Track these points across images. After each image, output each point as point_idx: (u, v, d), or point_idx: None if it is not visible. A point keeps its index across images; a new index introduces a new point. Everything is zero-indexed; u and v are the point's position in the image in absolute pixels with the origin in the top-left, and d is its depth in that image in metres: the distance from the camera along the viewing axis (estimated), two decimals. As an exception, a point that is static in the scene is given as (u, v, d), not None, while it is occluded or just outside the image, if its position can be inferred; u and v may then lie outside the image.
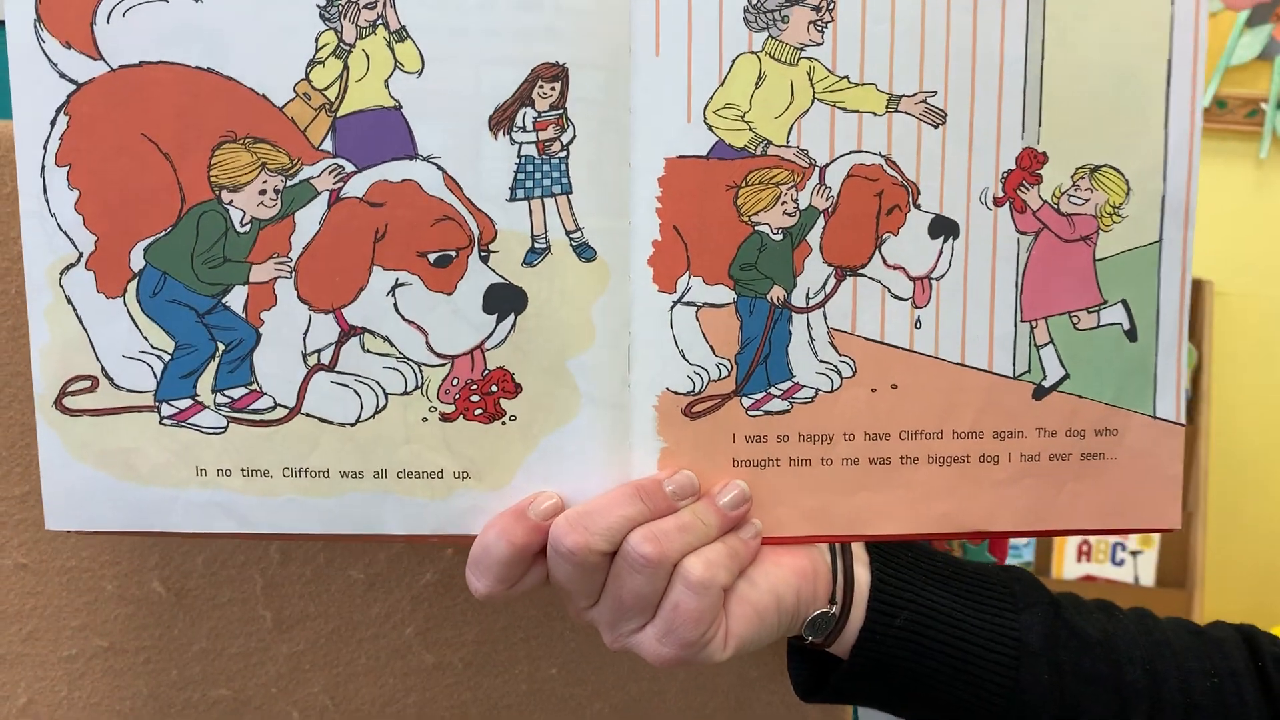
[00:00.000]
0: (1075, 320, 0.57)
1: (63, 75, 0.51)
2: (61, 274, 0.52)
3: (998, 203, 0.56)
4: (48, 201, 0.52)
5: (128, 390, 0.53)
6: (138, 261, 0.52)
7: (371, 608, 0.68)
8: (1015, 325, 0.57)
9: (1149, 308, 0.57)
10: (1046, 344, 0.57)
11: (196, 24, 0.51)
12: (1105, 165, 0.56)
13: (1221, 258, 2.01)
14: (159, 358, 0.53)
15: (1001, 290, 0.56)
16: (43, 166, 0.51)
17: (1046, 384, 0.57)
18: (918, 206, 0.55)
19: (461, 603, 0.58)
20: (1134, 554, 2.02)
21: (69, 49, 0.51)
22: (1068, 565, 2.06)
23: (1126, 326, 0.57)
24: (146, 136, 0.51)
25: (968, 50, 0.55)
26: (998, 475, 0.57)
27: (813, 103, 0.54)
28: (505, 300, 0.53)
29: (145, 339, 0.53)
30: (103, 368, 0.53)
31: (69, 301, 0.52)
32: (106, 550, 0.65)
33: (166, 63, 0.51)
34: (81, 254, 0.52)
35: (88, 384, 0.53)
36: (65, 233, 0.52)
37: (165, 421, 0.53)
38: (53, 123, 0.51)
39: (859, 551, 0.59)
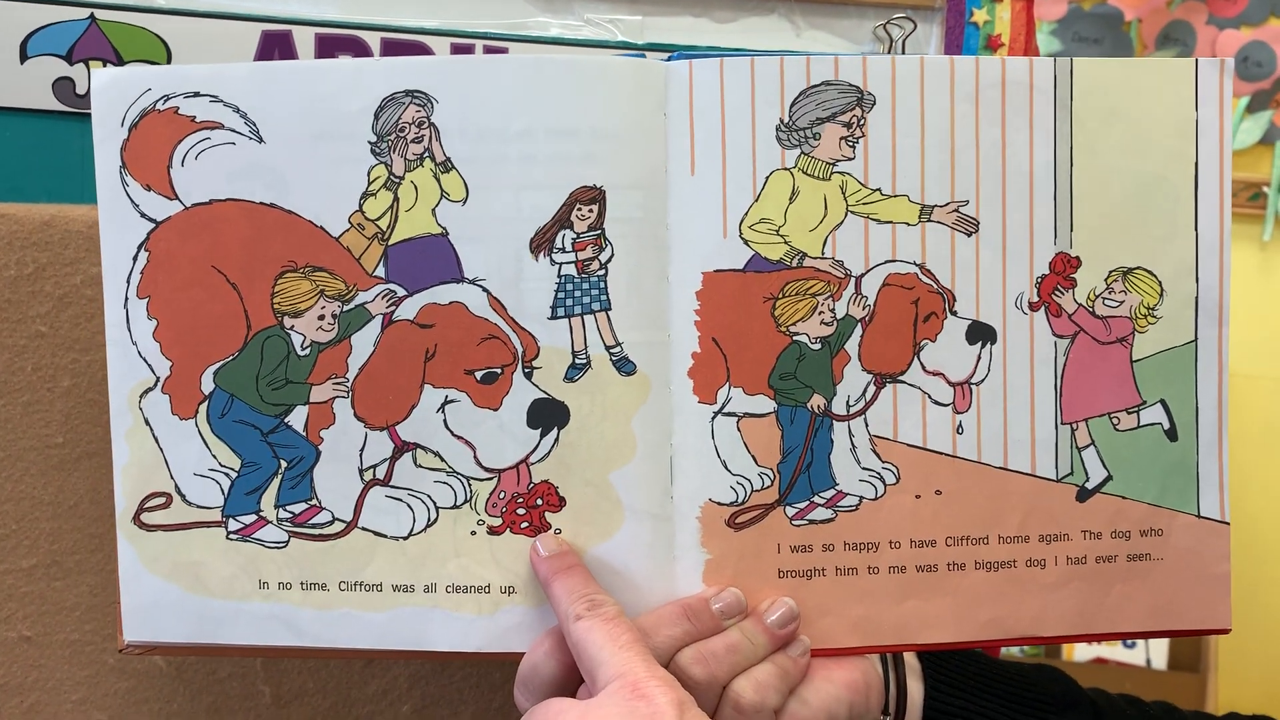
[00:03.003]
0: (1115, 421, 0.57)
1: (143, 215, 0.55)
2: (141, 397, 0.56)
3: (1033, 307, 0.56)
4: (130, 330, 0.56)
5: (198, 506, 0.56)
6: (208, 384, 0.56)
7: (369, 685, 0.69)
8: (1056, 428, 0.57)
9: (1188, 407, 0.57)
10: (1088, 446, 0.57)
11: (260, 162, 0.55)
12: (1138, 268, 0.56)
13: (1229, 340, 1.96)
14: (226, 475, 0.56)
15: (1041, 393, 0.57)
16: (126, 299, 0.56)
17: (1090, 486, 0.57)
18: (954, 313, 0.56)
19: (458, 681, 0.59)
20: (1145, 637, 1.94)
21: (149, 191, 0.55)
22: (1079, 648, 1.97)
23: (1166, 426, 0.57)
24: (216, 268, 0.55)
25: (998, 160, 0.56)
26: (1045, 579, 0.57)
27: (846, 215, 0.56)
28: (548, 415, 0.55)
29: (214, 457, 0.56)
30: (176, 485, 0.56)
31: (147, 423, 0.56)
32: (108, 624, 0.67)
33: (234, 199, 0.55)
34: (159, 378, 0.56)
35: (162, 500, 0.56)
36: (144, 359, 0.56)
37: (232, 536, 0.56)
38: (134, 258, 0.55)
39: (911, 660, 0.59)
